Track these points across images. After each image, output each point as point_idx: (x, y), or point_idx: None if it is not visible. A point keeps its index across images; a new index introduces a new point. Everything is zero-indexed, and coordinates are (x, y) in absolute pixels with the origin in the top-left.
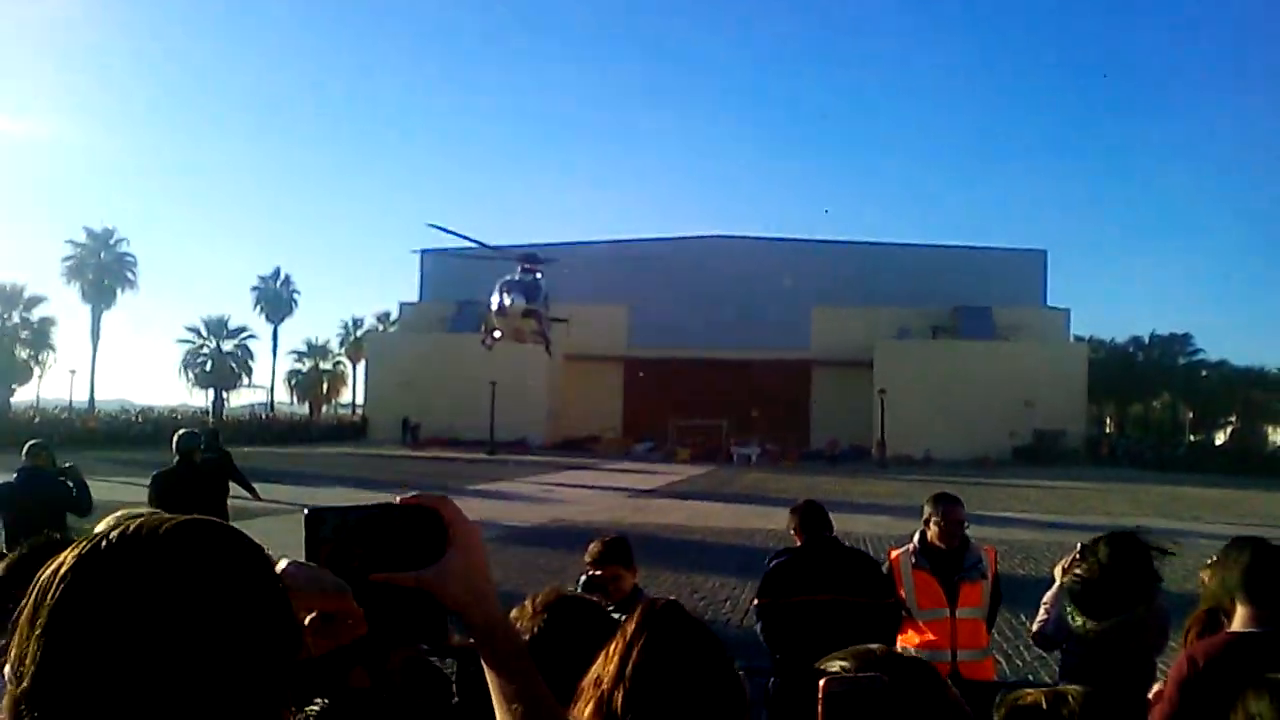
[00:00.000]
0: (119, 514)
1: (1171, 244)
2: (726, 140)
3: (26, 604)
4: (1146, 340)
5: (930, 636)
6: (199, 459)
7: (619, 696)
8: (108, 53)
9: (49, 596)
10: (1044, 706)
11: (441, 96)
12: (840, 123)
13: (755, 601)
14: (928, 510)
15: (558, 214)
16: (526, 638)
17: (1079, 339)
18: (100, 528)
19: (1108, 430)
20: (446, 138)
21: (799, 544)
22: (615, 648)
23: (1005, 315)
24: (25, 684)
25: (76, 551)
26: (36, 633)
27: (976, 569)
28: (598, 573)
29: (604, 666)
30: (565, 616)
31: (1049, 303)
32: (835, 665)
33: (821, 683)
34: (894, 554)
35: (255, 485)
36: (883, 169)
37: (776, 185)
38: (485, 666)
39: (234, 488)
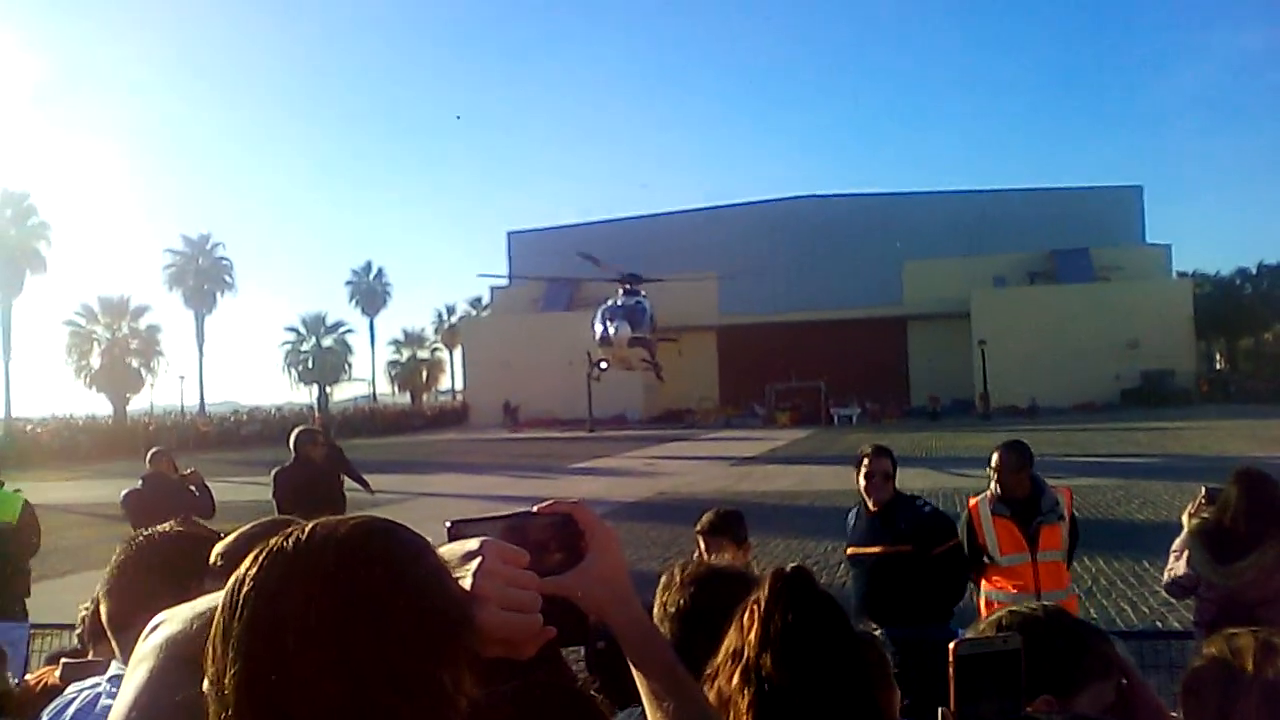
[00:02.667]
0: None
1: (1275, 169)
2: (808, 99)
3: (216, 621)
4: (1254, 271)
5: (1014, 582)
6: (315, 455)
7: (767, 660)
8: (193, 65)
9: (238, 613)
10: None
11: (517, 78)
12: (921, 71)
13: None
14: (995, 460)
15: (644, 184)
16: (673, 610)
17: (1182, 275)
18: (274, 540)
19: (1218, 367)
20: (524, 119)
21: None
22: (751, 616)
23: (1104, 256)
24: (230, 704)
25: (256, 564)
26: (232, 654)
27: (1054, 511)
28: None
29: (742, 637)
30: (713, 588)
31: (1149, 240)
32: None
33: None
34: (973, 502)
35: (366, 477)
36: (966, 116)
37: (860, 141)
38: (632, 668)
39: (348, 481)
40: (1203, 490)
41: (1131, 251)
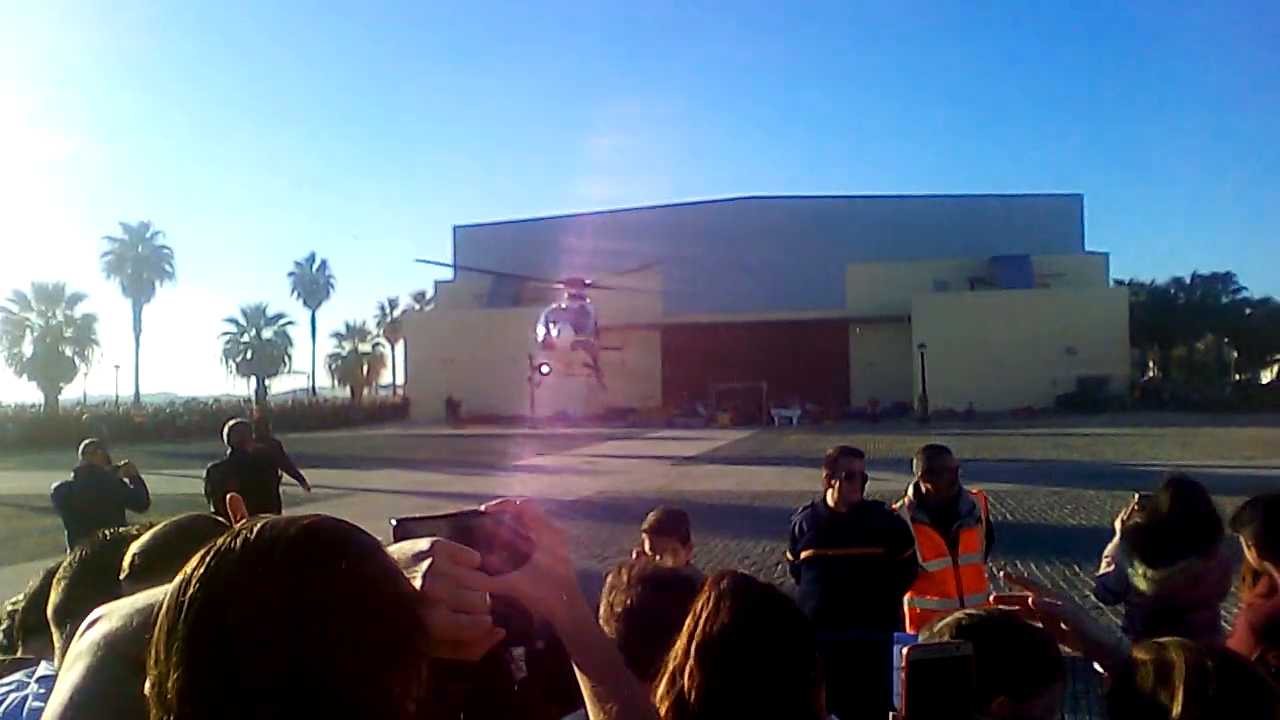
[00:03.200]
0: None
1: (1210, 181)
2: (752, 103)
3: (160, 623)
4: (1188, 280)
5: (937, 587)
6: (250, 449)
7: (687, 672)
8: (139, 50)
9: (183, 615)
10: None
11: (466, 76)
12: (868, 74)
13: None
14: (919, 464)
15: (587, 184)
16: (620, 610)
17: (1119, 283)
18: (221, 540)
19: (1151, 374)
20: (472, 115)
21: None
22: (687, 624)
23: (1043, 263)
24: (173, 709)
25: (203, 564)
26: (175, 658)
27: (972, 515)
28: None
29: (680, 643)
30: (660, 588)
31: (1087, 248)
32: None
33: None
34: (891, 509)
35: (303, 472)
36: (910, 120)
37: (807, 144)
38: (576, 667)
39: (285, 477)
40: (1135, 496)
41: (1070, 259)
